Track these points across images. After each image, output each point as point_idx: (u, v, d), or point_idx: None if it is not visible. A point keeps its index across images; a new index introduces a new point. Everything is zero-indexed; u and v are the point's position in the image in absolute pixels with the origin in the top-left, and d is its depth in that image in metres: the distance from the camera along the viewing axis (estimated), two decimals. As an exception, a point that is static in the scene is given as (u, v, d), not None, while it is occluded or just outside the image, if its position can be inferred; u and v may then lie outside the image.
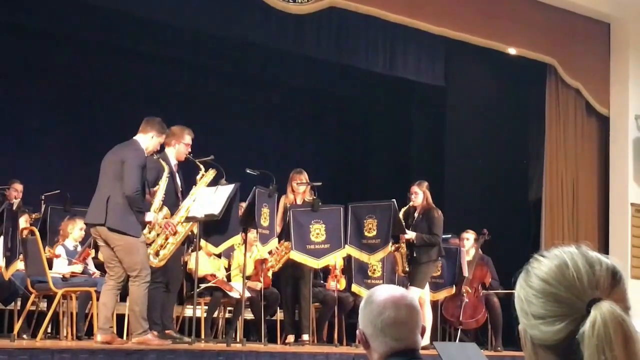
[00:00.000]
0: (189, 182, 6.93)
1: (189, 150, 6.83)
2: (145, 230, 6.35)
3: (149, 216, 6.30)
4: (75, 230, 7.47)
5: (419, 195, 7.78)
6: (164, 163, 6.58)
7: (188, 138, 6.81)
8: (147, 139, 6.30)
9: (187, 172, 7.04)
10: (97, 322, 6.21)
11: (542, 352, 1.29)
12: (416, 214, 7.80)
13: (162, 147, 6.68)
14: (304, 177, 7.75)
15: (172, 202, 6.65)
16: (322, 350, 6.97)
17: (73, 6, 8.92)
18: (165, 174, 6.55)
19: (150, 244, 6.40)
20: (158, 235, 6.48)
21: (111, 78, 10.29)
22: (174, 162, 6.77)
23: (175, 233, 6.53)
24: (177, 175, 6.82)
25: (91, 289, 6.88)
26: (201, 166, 6.85)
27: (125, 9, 8.66)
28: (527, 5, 10.22)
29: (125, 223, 6.03)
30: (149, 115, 6.49)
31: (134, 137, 6.32)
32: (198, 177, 6.83)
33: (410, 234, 7.61)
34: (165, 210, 6.54)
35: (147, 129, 6.32)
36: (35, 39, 9.77)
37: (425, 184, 7.87)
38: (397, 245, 7.62)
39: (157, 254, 6.44)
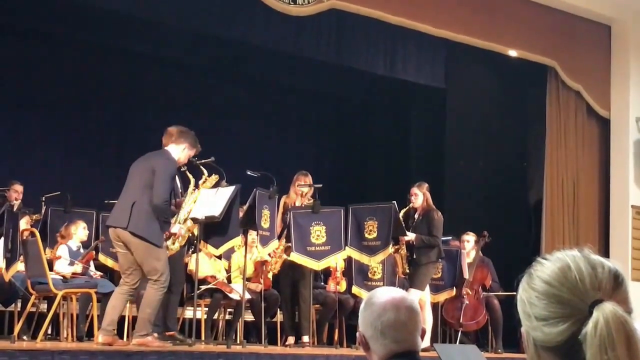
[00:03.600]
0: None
1: None
2: (169, 242, 6.37)
3: (175, 228, 6.32)
4: (79, 230, 7.48)
5: (419, 196, 7.78)
6: (190, 176, 6.59)
7: None
8: (178, 150, 6.28)
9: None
10: (97, 323, 6.21)
11: (544, 353, 1.30)
12: (416, 216, 7.80)
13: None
14: (309, 179, 7.76)
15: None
16: (322, 352, 6.97)
17: (72, 7, 8.91)
18: (192, 187, 6.57)
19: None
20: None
21: (111, 79, 10.29)
22: None
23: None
24: (177, 177, 6.82)
25: (91, 290, 6.88)
26: (204, 170, 6.85)
27: (125, 10, 8.66)
28: (527, 7, 10.23)
29: (149, 230, 6.01)
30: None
31: (166, 147, 6.30)
32: (201, 181, 6.83)
33: (410, 236, 7.61)
34: (190, 222, 6.55)
35: (180, 140, 6.30)
36: (35, 40, 9.78)
37: (425, 185, 7.87)
38: (396, 247, 7.62)
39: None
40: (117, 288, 6.26)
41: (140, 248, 6.02)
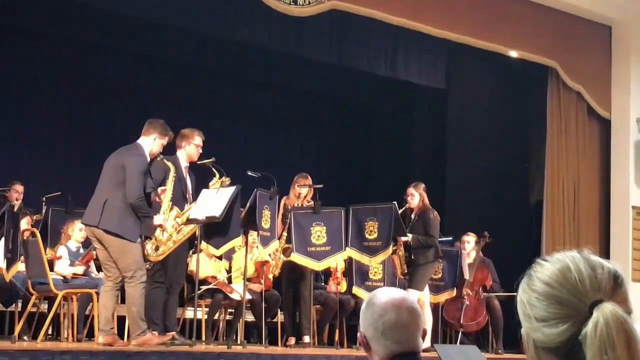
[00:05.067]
0: (200, 186, 6.93)
1: (200, 151, 6.86)
2: (158, 232, 6.38)
3: (157, 219, 6.31)
4: (75, 231, 7.48)
5: (415, 196, 7.79)
6: (169, 163, 6.57)
7: (198, 139, 6.86)
8: (149, 142, 6.29)
9: (197, 177, 7.06)
10: (97, 324, 6.22)
11: (544, 354, 1.30)
12: (413, 216, 7.80)
13: (174, 150, 6.75)
14: (309, 181, 7.77)
15: (180, 204, 6.65)
16: (323, 353, 6.98)
17: (73, 8, 8.93)
18: (172, 174, 6.54)
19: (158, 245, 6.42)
20: (171, 235, 6.48)
21: (113, 80, 10.30)
22: (185, 164, 6.80)
23: (179, 231, 6.52)
24: (187, 177, 6.84)
25: (92, 290, 6.87)
26: (217, 172, 6.86)
27: (127, 11, 8.66)
28: (528, 8, 10.22)
29: (122, 226, 6.03)
30: (150, 117, 6.49)
31: (137, 141, 6.31)
32: (211, 183, 6.84)
33: (407, 236, 7.61)
34: (176, 210, 6.54)
35: (149, 131, 6.31)
36: (37, 40, 9.78)
37: (422, 185, 7.86)
38: (395, 248, 7.61)
39: (156, 248, 6.44)
40: (102, 287, 6.26)
41: (113, 244, 6.05)
